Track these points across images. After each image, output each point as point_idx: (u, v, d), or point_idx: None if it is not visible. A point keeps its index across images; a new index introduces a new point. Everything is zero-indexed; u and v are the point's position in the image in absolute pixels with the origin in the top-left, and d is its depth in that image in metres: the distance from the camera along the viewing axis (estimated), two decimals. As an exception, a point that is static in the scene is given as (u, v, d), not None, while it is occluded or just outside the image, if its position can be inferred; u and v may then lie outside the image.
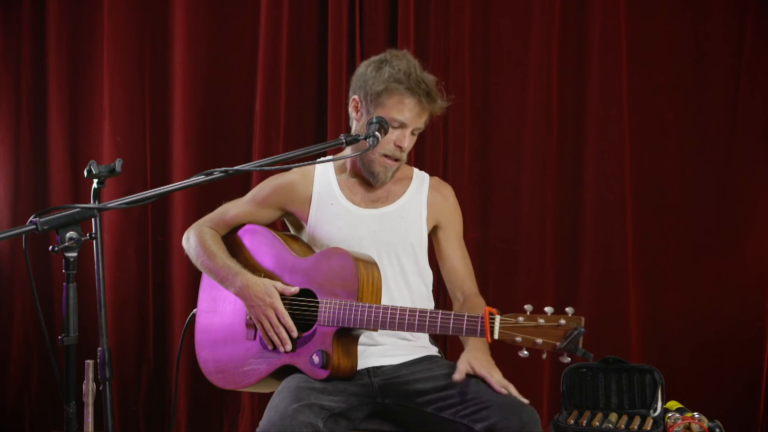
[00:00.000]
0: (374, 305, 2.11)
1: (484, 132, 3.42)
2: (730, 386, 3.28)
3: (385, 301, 2.23)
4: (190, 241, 2.43)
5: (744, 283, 3.29)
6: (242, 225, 2.45)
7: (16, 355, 3.72)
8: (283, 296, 2.25)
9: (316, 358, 2.16)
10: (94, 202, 1.77)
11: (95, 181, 1.77)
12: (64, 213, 1.71)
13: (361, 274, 2.15)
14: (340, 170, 2.42)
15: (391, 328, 2.09)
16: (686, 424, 2.69)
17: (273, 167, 2.02)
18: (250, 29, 3.59)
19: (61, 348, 1.72)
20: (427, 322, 2.03)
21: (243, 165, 2.00)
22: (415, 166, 3.33)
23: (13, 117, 3.72)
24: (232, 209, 2.46)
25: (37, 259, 3.52)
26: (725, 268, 3.29)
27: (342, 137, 2.11)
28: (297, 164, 2.26)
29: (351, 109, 2.36)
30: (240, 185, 3.40)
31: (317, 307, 2.20)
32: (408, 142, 2.30)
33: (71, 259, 1.72)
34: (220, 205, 2.49)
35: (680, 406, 2.83)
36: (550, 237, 3.38)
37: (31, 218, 1.69)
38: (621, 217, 3.32)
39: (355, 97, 2.33)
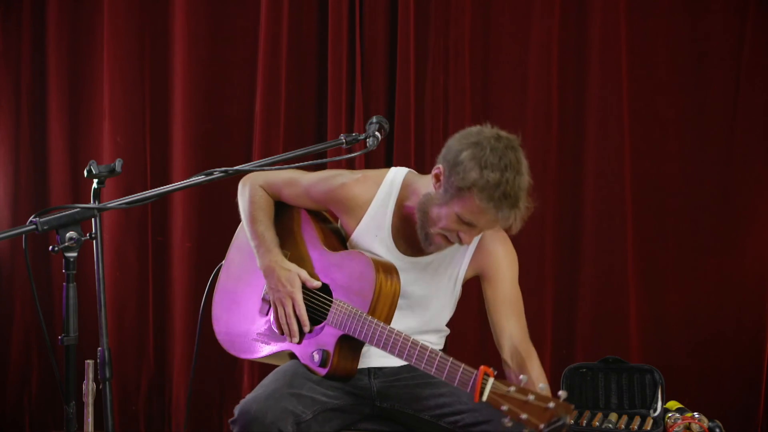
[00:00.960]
0: (382, 325, 2.08)
1: (484, 132, 3.42)
2: (730, 386, 3.28)
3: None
4: (245, 191, 2.36)
5: (744, 283, 3.29)
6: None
7: (16, 355, 3.71)
8: (304, 287, 2.23)
9: (316, 356, 2.17)
10: (94, 202, 1.76)
11: (95, 181, 1.77)
12: (64, 213, 1.71)
13: (378, 286, 2.11)
14: (400, 204, 2.23)
15: (392, 353, 2.06)
16: (686, 424, 2.69)
17: (273, 167, 2.01)
18: (250, 29, 3.59)
19: (61, 348, 1.72)
20: (425, 360, 1.99)
21: (243, 165, 2.00)
22: (415, 166, 3.37)
23: (13, 117, 3.71)
24: (289, 190, 2.34)
25: (37, 259, 3.52)
26: (725, 268, 3.30)
27: (342, 137, 2.11)
28: (292, 165, 2.17)
29: (432, 175, 2.12)
30: (240, 185, 3.41)
31: (330, 305, 2.19)
32: (471, 239, 2.14)
33: (71, 259, 1.72)
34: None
35: (680, 406, 2.83)
36: (550, 237, 3.38)
37: (31, 218, 1.69)
38: (621, 217, 3.32)
39: (441, 167, 2.09)
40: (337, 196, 2.28)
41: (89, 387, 2.89)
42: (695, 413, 2.72)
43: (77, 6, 3.69)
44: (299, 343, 2.21)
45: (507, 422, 1.81)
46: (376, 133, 2.13)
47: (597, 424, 2.73)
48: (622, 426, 2.71)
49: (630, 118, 3.31)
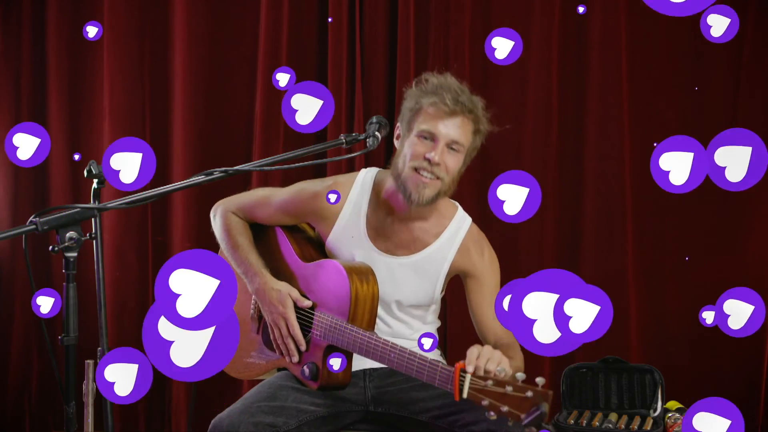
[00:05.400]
0: (361, 332, 2.08)
1: (484, 132, 3.42)
2: (730, 386, 3.28)
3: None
4: (216, 220, 2.38)
5: (744, 283, 3.28)
6: None
7: (16, 355, 3.72)
8: (296, 305, 2.22)
9: (306, 370, 2.17)
10: (94, 202, 1.77)
11: (95, 181, 1.77)
12: (64, 213, 1.71)
13: (353, 294, 2.11)
14: (373, 200, 2.27)
15: (374, 358, 2.07)
16: (686, 424, 2.69)
17: (273, 167, 2.01)
18: (250, 29, 3.59)
19: (61, 348, 1.72)
20: (405, 362, 2.00)
21: (243, 165, 1.99)
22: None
23: (13, 117, 3.72)
24: (262, 210, 2.35)
25: (37, 259, 3.52)
26: (725, 268, 3.29)
27: (342, 137, 2.11)
28: (292, 165, 2.13)
29: (395, 140, 2.25)
30: (240, 185, 3.40)
31: (313, 317, 2.20)
32: (440, 156, 2.12)
33: (71, 259, 1.72)
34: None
35: (680, 406, 2.83)
36: (550, 237, 3.38)
37: (31, 218, 1.69)
38: (621, 217, 3.32)
39: (398, 125, 2.24)
40: (310, 206, 2.29)
41: (89, 387, 2.88)
42: (695, 413, 2.72)
43: (77, 6, 3.70)
44: (299, 362, 2.21)
45: (491, 416, 1.82)
46: (376, 133, 2.14)
47: (597, 424, 2.73)
48: (622, 426, 2.71)
49: (630, 118, 3.31)
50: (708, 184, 3.31)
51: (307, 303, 2.20)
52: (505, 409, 1.79)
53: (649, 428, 2.69)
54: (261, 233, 2.39)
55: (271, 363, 2.28)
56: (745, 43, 3.26)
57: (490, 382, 1.83)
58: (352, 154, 2.25)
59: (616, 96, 3.31)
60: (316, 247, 2.35)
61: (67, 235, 1.71)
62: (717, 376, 3.29)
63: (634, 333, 3.32)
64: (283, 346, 2.21)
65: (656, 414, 2.78)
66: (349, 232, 2.26)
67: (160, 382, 3.67)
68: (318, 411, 2.17)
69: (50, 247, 1.71)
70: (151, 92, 3.66)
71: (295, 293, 2.22)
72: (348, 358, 2.17)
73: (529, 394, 1.77)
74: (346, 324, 2.10)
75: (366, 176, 2.29)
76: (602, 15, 3.33)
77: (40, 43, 3.71)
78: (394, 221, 2.25)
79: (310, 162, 2.20)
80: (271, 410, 2.12)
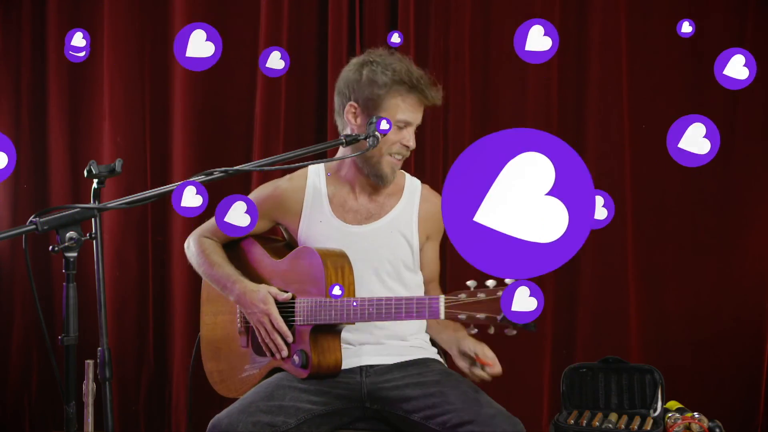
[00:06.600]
0: (341, 299, 2.13)
1: (484, 132, 3.41)
2: (730, 386, 3.28)
3: None
4: (191, 248, 2.46)
5: (744, 283, 3.29)
6: None
7: (16, 355, 3.72)
8: (277, 301, 2.25)
9: (296, 358, 2.19)
10: (94, 202, 1.77)
11: (95, 181, 1.77)
12: (64, 213, 1.71)
13: (328, 271, 2.17)
14: (332, 180, 2.39)
15: (355, 320, 2.12)
16: (686, 424, 2.69)
17: (273, 167, 2.02)
18: (250, 29, 3.59)
19: (61, 348, 1.72)
20: (384, 310, 2.07)
21: (243, 165, 2.00)
22: (415, 167, 3.37)
23: (13, 117, 3.72)
24: None
25: (37, 259, 3.52)
26: (725, 268, 3.29)
27: (342, 137, 2.12)
28: (292, 164, 2.23)
29: (348, 116, 2.32)
30: (240, 185, 3.41)
31: (294, 306, 2.22)
32: (413, 141, 2.32)
33: (71, 259, 1.72)
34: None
35: (680, 406, 2.83)
36: (550, 237, 3.38)
37: (31, 218, 1.69)
38: (621, 217, 3.32)
39: (353, 104, 2.30)
40: (274, 200, 2.38)
41: (89, 387, 2.89)
42: (695, 413, 2.72)
43: (77, 6, 3.69)
44: (289, 355, 2.22)
45: (472, 331, 1.85)
46: (376, 133, 2.14)
47: (597, 424, 2.73)
48: (622, 426, 2.71)
49: (630, 118, 3.31)
50: (708, 184, 3.33)
51: (287, 295, 2.24)
52: (481, 316, 1.84)
53: (649, 428, 2.69)
54: (231, 252, 2.44)
55: (264, 368, 2.30)
56: (745, 43, 3.25)
57: (462, 295, 1.88)
58: (353, 154, 2.26)
59: (616, 95, 3.31)
60: (289, 249, 2.40)
61: (67, 235, 1.70)
62: (717, 376, 3.29)
63: (634, 333, 3.31)
64: (271, 342, 2.23)
65: (656, 414, 2.78)
66: (316, 217, 2.34)
67: (160, 382, 3.68)
68: (316, 409, 2.18)
69: (50, 247, 1.71)
70: (151, 92, 3.66)
71: (274, 290, 2.26)
72: (334, 340, 2.20)
73: (501, 293, 1.79)
74: (326, 299, 2.14)
75: (318, 165, 2.42)
76: (602, 15, 3.32)
77: (40, 43, 3.71)
78: (357, 194, 2.36)
79: (310, 162, 2.20)
80: (270, 409, 2.13)
